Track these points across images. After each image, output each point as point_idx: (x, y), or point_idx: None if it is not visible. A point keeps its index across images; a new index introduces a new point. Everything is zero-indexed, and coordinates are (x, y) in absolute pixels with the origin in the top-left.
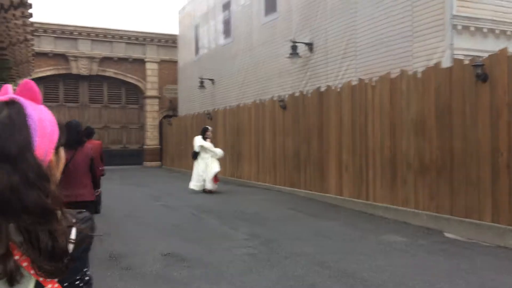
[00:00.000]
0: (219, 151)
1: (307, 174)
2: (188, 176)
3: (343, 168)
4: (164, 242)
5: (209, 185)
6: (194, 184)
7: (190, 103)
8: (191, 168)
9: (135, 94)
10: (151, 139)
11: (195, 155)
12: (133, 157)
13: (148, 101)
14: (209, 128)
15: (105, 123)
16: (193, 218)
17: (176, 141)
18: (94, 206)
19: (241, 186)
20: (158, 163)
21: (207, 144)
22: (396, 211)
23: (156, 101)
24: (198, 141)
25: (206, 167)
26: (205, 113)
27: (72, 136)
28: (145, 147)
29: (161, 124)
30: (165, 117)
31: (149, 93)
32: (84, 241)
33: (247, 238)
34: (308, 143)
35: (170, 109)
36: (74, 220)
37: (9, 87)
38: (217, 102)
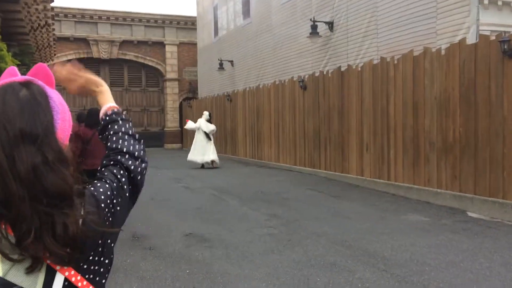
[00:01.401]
0: (213, 127)
1: (327, 155)
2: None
3: (364, 148)
4: (186, 223)
5: (213, 156)
6: (196, 158)
7: (210, 85)
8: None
9: (155, 77)
10: (172, 122)
11: (209, 136)
12: (154, 139)
13: (168, 83)
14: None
15: (126, 106)
16: (214, 199)
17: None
18: None
19: (261, 167)
20: (179, 145)
21: (214, 127)
22: (418, 191)
23: (176, 83)
24: (209, 124)
25: (208, 144)
26: (224, 95)
27: (93, 119)
28: (166, 129)
29: (181, 107)
30: (185, 99)
31: (169, 75)
32: (90, 235)
33: (268, 219)
34: (329, 123)
35: (190, 91)
36: (83, 212)
37: (15, 69)
38: (236, 84)
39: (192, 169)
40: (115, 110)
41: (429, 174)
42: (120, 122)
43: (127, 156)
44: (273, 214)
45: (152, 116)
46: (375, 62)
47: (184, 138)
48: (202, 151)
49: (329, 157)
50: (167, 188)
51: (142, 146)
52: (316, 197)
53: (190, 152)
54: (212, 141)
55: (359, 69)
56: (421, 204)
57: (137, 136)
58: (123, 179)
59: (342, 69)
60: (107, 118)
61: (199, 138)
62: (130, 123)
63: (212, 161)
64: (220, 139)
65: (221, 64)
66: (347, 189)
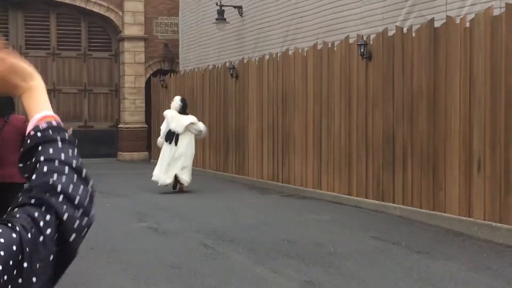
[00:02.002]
0: (203, 127)
1: (407, 177)
2: (203, 178)
3: (473, 166)
4: None
5: (186, 177)
6: (163, 178)
7: (201, 49)
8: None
9: (105, 33)
10: (132, 113)
11: (174, 138)
12: (101, 143)
13: (127, 45)
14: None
15: (52, 84)
16: (203, 252)
17: None
18: None
19: (288, 196)
20: (143, 154)
21: (195, 120)
22: None
23: (141, 45)
24: (183, 118)
25: (186, 149)
26: (226, 67)
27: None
28: (122, 126)
29: (148, 86)
30: (156, 73)
31: (128, 31)
32: None
33: None
34: (410, 121)
35: (164, 59)
36: None
37: None
38: (247, 48)
39: (163, 195)
40: (53, 123)
41: None
42: (60, 144)
43: (61, 198)
44: (309, 283)
45: (97, 102)
46: (496, 11)
47: (154, 142)
48: (169, 163)
49: (410, 181)
50: (121, 230)
51: (89, 190)
52: (386, 253)
53: (157, 165)
54: (192, 152)
55: (467, 24)
56: None
57: (84, 172)
58: (48, 231)
59: (437, 24)
60: (38, 135)
61: (166, 144)
62: (75, 149)
63: (176, 181)
64: (215, 146)
65: (220, 13)
66: (442, 239)
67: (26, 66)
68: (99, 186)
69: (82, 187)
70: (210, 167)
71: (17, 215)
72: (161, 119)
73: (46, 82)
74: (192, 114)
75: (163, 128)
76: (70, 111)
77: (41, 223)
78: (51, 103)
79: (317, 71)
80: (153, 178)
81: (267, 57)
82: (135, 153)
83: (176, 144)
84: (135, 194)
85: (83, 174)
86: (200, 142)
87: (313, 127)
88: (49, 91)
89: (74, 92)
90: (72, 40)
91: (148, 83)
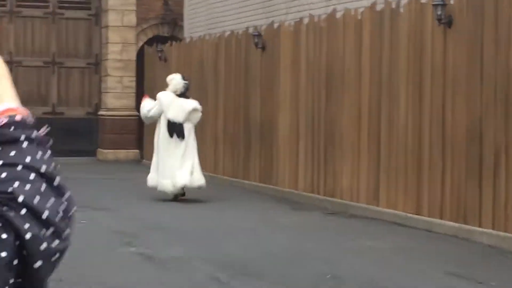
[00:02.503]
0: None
1: (499, 191)
2: (215, 187)
3: None
4: None
5: (200, 179)
6: (166, 183)
7: (214, 8)
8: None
9: None
10: (118, 95)
11: (178, 130)
12: (74, 137)
13: (111, 1)
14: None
15: (6, 54)
16: None
17: None
18: None
19: (333, 214)
20: (132, 152)
21: (199, 106)
22: None
23: (132, 1)
24: (184, 102)
25: (186, 148)
26: (249, 34)
27: None
28: (104, 113)
29: (141, 58)
30: (151, 41)
31: None
32: None
33: None
34: (505, 113)
35: (163, 22)
36: None
37: None
38: (278, 8)
39: (158, 207)
40: (16, 118)
41: None
42: (25, 145)
43: (23, 212)
44: None
45: (70, 80)
46: None
47: (147, 137)
48: (173, 164)
49: (503, 197)
50: (101, 256)
51: (64, 204)
52: None
53: (152, 168)
54: (194, 143)
55: None
56: None
57: (57, 180)
58: (2, 254)
59: None
60: None
61: (164, 137)
62: (48, 152)
63: (191, 186)
64: (232, 143)
65: None
66: None
67: None
68: (77, 196)
69: (53, 199)
70: (224, 173)
71: None
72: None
73: (0, 50)
74: (202, 98)
75: (153, 110)
76: (33, 91)
77: None
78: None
79: (376, 41)
80: (149, 183)
81: (306, 20)
82: (121, 150)
83: (183, 138)
84: (120, 207)
85: (56, 183)
86: (210, 138)
87: (368, 120)
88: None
89: (39, 65)
90: None
91: (140, 54)
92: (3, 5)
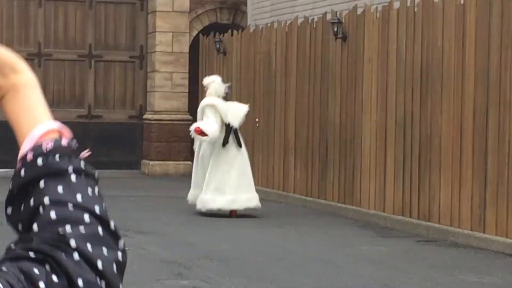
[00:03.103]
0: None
1: None
2: (284, 208)
3: None
4: None
5: (254, 200)
6: (212, 199)
7: None
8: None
9: None
10: (168, 95)
11: (235, 137)
12: (114, 145)
13: None
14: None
15: (35, 45)
16: None
17: (242, 100)
18: None
19: (429, 242)
20: (184, 165)
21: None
22: None
23: None
24: (239, 106)
25: (236, 161)
26: (326, 21)
27: None
28: (150, 117)
29: (196, 52)
30: (207, 30)
31: None
32: None
33: None
34: None
35: (223, 7)
36: None
37: None
38: None
39: (215, 227)
40: (62, 142)
41: None
42: (73, 178)
43: (76, 256)
44: None
45: (110, 76)
46: None
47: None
48: (216, 178)
49: None
50: None
51: (119, 254)
52: None
53: (193, 184)
54: (245, 151)
55: None
56: None
57: (112, 224)
58: None
59: None
60: (39, 162)
61: (217, 147)
62: (96, 186)
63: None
64: (305, 154)
65: None
66: None
67: (8, 55)
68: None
69: (108, 246)
70: (295, 190)
71: (3, 268)
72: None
73: (27, 40)
74: (269, 97)
75: (214, 122)
76: (65, 90)
77: (41, 285)
78: (34, 73)
79: (483, 29)
80: (190, 202)
81: (396, 5)
82: (171, 162)
83: (240, 145)
84: (169, 231)
85: (112, 227)
86: (279, 148)
87: (473, 126)
88: (31, 56)
89: (73, 58)
90: None
91: (194, 46)
92: None
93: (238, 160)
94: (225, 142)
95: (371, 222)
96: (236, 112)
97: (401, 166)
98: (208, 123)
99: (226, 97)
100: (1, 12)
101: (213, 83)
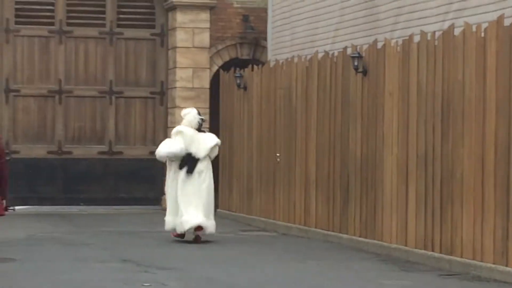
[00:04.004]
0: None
1: None
2: (305, 243)
3: None
4: None
5: (211, 225)
6: (179, 221)
7: (304, 24)
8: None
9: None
10: None
11: (192, 166)
12: (135, 181)
13: (181, 18)
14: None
15: (55, 81)
16: None
17: (263, 134)
18: None
19: (452, 276)
20: None
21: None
22: None
23: (205, 17)
24: (206, 138)
25: (210, 182)
26: (347, 55)
27: None
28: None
29: (216, 87)
30: (227, 66)
31: None
32: None
33: None
34: None
35: (243, 42)
36: None
37: None
38: (383, 23)
39: (237, 262)
40: None
41: None
42: None
43: None
44: None
45: (131, 112)
46: None
47: (224, 182)
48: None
49: None
50: None
51: None
52: None
53: (169, 210)
54: (197, 178)
55: None
56: None
57: None
58: None
59: None
60: None
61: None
62: None
63: (198, 227)
64: (327, 188)
65: None
66: None
67: None
68: (131, 252)
69: None
70: (317, 225)
71: None
72: (235, 141)
73: (47, 77)
74: (290, 132)
75: (178, 145)
76: (86, 126)
77: None
78: (55, 110)
79: (504, 62)
80: (167, 227)
81: (416, 38)
82: None
83: (191, 173)
84: (191, 267)
85: None
86: (300, 181)
87: (495, 159)
88: (52, 93)
89: (93, 95)
90: (90, 10)
91: (215, 81)
92: (51, 24)
93: (202, 186)
94: (187, 169)
95: (393, 256)
96: (203, 143)
97: (422, 200)
98: (165, 142)
99: (200, 128)
100: (22, 49)
101: (188, 115)
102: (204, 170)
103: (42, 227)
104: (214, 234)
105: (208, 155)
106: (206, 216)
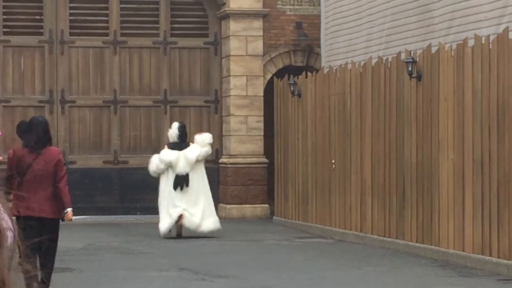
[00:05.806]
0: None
1: None
2: (362, 250)
3: None
4: None
5: (211, 224)
6: (169, 215)
7: (357, 31)
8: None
9: (197, 7)
10: (243, 139)
11: (183, 181)
12: None
13: (234, 26)
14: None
15: (110, 92)
16: None
17: (317, 141)
18: (56, 227)
19: (511, 281)
20: (261, 207)
21: (199, 150)
22: None
23: (258, 25)
24: (188, 154)
25: (204, 186)
26: (400, 61)
27: (37, 136)
28: (226, 161)
29: (270, 94)
30: (281, 73)
31: (236, 2)
32: None
33: None
34: None
35: (296, 50)
36: None
37: None
38: (437, 28)
39: (294, 270)
40: None
41: None
42: None
43: None
44: None
45: (185, 121)
46: None
47: (279, 188)
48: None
49: None
50: None
51: None
52: None
53: (160, 208)
54: (206, 184)
55: None
56: None
57: None
58: None
59: None
60: None
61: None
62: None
63: (180, 215)
64: (383, 194)
65: None
66: None
67: None
68: (188, 260)
69: None
70: (373, 231)
71: None
72: (290, 148)
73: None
74: (345, 138)
75: (168, 156)
76: (141, 135)
77: None
78: (110, 120)
79: None
80: (162, 231)
81: (470, 42)
82: (248, 206)
83: (187, 185)
84: (246, 275)
85: None
86: (355, 188)
87: None
88: (107, 103)
89: (148, 105)
90: (144, 20)
91: (269, 89)
92: (106, 34)
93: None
94: (175, 187)
95: (451, 261)
96: (186, 161)
97: (479, 204)
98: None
99: (185, 138)
100: (77, 60)
101: (170, 130)
102: (195, 179)
103: (100, 237)
104: (221, 229)
105: (197, 160)
106: (207, 216)
